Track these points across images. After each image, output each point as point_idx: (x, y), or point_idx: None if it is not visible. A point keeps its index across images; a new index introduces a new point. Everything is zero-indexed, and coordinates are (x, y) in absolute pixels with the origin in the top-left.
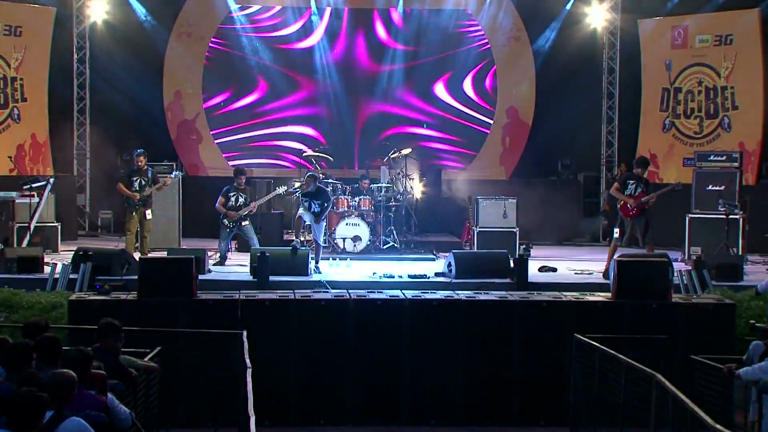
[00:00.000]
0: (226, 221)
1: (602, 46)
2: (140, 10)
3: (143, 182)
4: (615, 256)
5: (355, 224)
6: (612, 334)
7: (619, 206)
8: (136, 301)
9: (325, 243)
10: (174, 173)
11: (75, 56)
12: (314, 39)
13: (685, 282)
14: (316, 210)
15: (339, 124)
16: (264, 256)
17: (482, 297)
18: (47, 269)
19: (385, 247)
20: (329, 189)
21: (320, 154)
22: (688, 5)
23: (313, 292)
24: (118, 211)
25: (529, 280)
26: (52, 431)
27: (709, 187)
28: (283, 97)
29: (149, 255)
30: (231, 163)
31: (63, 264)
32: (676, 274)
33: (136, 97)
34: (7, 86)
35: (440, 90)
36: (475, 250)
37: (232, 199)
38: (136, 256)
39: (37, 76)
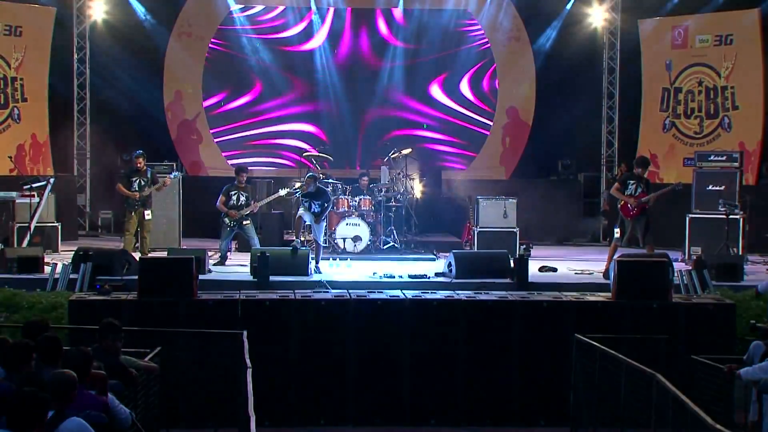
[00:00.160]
0: (227, 220)
1: (602, 46)
2: (140, 10)
3: (142, 183)
4: (615, 256)
5: (356, 224)
6: (612, 334)
7: (619, 206)
8: (136, 301)
9: (326, 243)
10: (173, 174)
11: (75, 56)
12: (315, 39)
13: (686, 282)
14: (316, 210)
15: (340, 124)
16: (264, 256)
17: (482, 297)
18: (47, 269)
19: (385, 247)
20: (329, 189)
21: (321, 155)
22: (688, 5)
23: (314, 292)
24: (118, 211)
25: (530, 280)
26: (53, 431)
27: (710, 187)
28: (283, 97)
29: (149, 255)
30: (231, 162)
31: (63, 264)
32: (676, 274)
33: (136, 97)
34: (7, 86)
35: (441, 90)
36: (476, 250)
37: (233, 197)
38: (136, 256)
39: (37, 76)
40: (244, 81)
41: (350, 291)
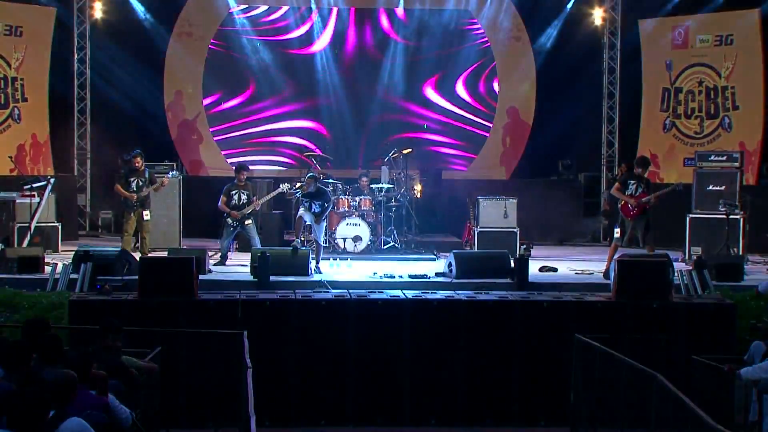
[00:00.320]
0: (229, 220)
1: (602, 46)
2: (140, 10)
3: (140, 183)
4: (615, 256)
5: (356, 224)
6: (612, 334)
7: (619, 206)
8: (137, 301)
9: (326, 243)
10: (170, 173)
11: (75, 56)
12: (318, 41)
13: (686, 282)
14: (316, 210)
15: (342, 125)
16: (265, 256)
17: (482, 297)
18: (48, 269)
19: (385, 247)
20: (330, 189)
21: (322, 154)
22: (688, 5)
23: (314, 292)
24: (118, 211)
25: (530, 280)
26: (53, 431)
27: (710, 187)
28: (284, 97)
29: (149, 255)
30: (230, 160)
31: (63, 264)
32: (676, 274)
33: (136, 97)
34: (7, 86)
35: (441, 90)
36: (476, 250)
37: (234, 197)
38: (136, 256)
39: (37, 76)
40: (245, 81)
41: (350, 291)
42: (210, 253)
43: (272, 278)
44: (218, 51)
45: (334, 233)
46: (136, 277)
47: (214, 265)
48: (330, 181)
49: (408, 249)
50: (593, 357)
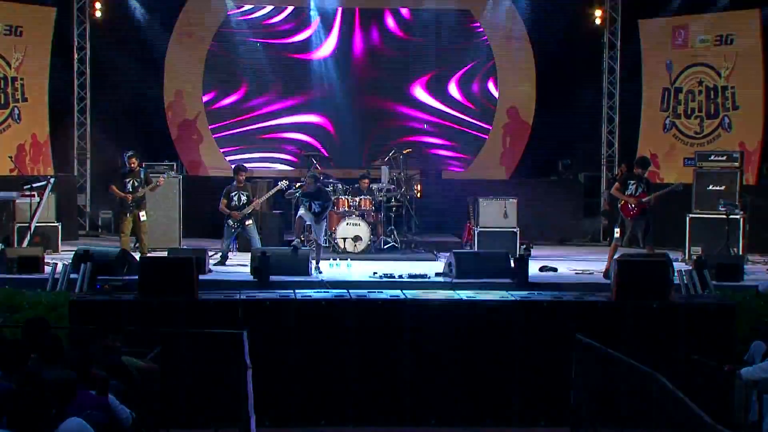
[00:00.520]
0: (230, 221)
1: (602, 46)
2: (140, 10)
3: (136, 183)
4: (615, 256)
5: (356, 224)
6: (612, 334)
7: (619, 206)
8: (136, 301)
9: (326, 243)
10: (166, 174)
11: (75, 56)
12: (315, 40)
13: (686, 282)
14: (316, 210)
15: (343, 126)
16: (265, 256)
17: (482, 297)
18: (48, 269)
19: (385, 247)
20: (329, 189)
21: (322, 154)
22: (688, 6)
23: (314, 292)
24: (115, 212)
25: (530, 280)
26: (53, 431)
27: (710, 187)
28: (284, 97)
29: (149, 255)
30: (230, 158)
31: (63, 264)
32: (676, 274)
33: (136, 97)
34: (7, 86)
35: (442, 91)
36: (476, 250)
37: (234, 198)
38: (136, 256)
39: (37, 76)
40: (245, 81)
41: (350, 291)
42: (210, 253)
43: (272, 278)
44: (219, 51)
45: (334, 233)
46: (136, 277)
47: (214, 265)
48: (330, 181)
49: (408, 249)
50: (593, 357)
